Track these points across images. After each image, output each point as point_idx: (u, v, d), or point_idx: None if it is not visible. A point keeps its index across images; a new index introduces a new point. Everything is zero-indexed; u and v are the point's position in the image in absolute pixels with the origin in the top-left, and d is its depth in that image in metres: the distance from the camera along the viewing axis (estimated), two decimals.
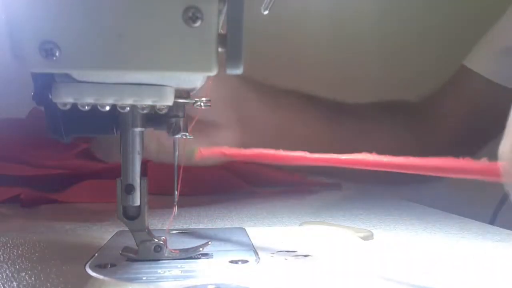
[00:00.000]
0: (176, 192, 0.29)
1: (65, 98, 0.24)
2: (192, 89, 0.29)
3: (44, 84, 0.25)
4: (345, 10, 0.90)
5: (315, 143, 0.61)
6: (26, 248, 0.30)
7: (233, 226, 0.38)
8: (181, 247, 0.28)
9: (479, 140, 0.68)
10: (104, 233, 0.33)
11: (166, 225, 0.38)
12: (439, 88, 0.70)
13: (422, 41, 0.91)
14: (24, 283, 0.23)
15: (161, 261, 0.27)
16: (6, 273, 0.25)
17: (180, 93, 0.28)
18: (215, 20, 0.22)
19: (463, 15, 0.91)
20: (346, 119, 0.65)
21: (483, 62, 0.65)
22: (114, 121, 0.27)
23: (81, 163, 0.60)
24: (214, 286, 0.23)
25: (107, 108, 0.25)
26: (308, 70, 0.86)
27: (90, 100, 0.24)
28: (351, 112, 0.67)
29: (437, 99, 0.70)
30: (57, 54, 0.22)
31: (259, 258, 0.28)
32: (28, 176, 0.56)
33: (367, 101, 0.69)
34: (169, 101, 0.25)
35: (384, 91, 0.71)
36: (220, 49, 0.23)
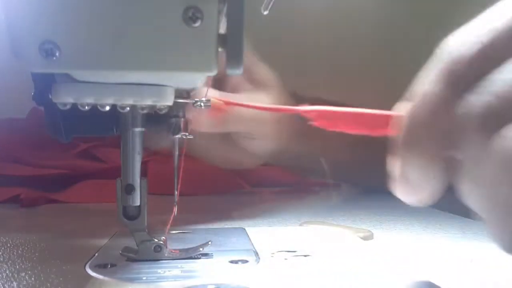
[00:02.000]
0: (176, 192, 0.29)
1: (65, 98, 0.24)
2: (192, 89, 0.29)
3: (44, 84, 0.25)
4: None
5: None
6: (26, 248, 0.30)
7: (233, 226, 0.38)
8: (181, 247, 0.28)
9: None
10: (104, 233, 0.33)
11: (166, 225, 0.38)
12: None
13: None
14: (24, 283, 0.23)
15: (161, 261, 0.27)
16: (6, 273, 0.25)
17: (180, 93, 0.28)
18: (215, 20, 0.22)
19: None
20: None
21: None
22: (114, 121, 0.27)
23: (81, 163, 0.60)
24: (214, 286, 0.23)
25: (107, 108, 0.25)
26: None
27: (90, 100, 0.24)
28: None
29: None
30: (57, 54, 0.22)
31: (259, 258, 0.28)
32: (28, 176, 0.56)
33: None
34: (169, 101, 0.25)
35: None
36: (220, 49, 0.23)
